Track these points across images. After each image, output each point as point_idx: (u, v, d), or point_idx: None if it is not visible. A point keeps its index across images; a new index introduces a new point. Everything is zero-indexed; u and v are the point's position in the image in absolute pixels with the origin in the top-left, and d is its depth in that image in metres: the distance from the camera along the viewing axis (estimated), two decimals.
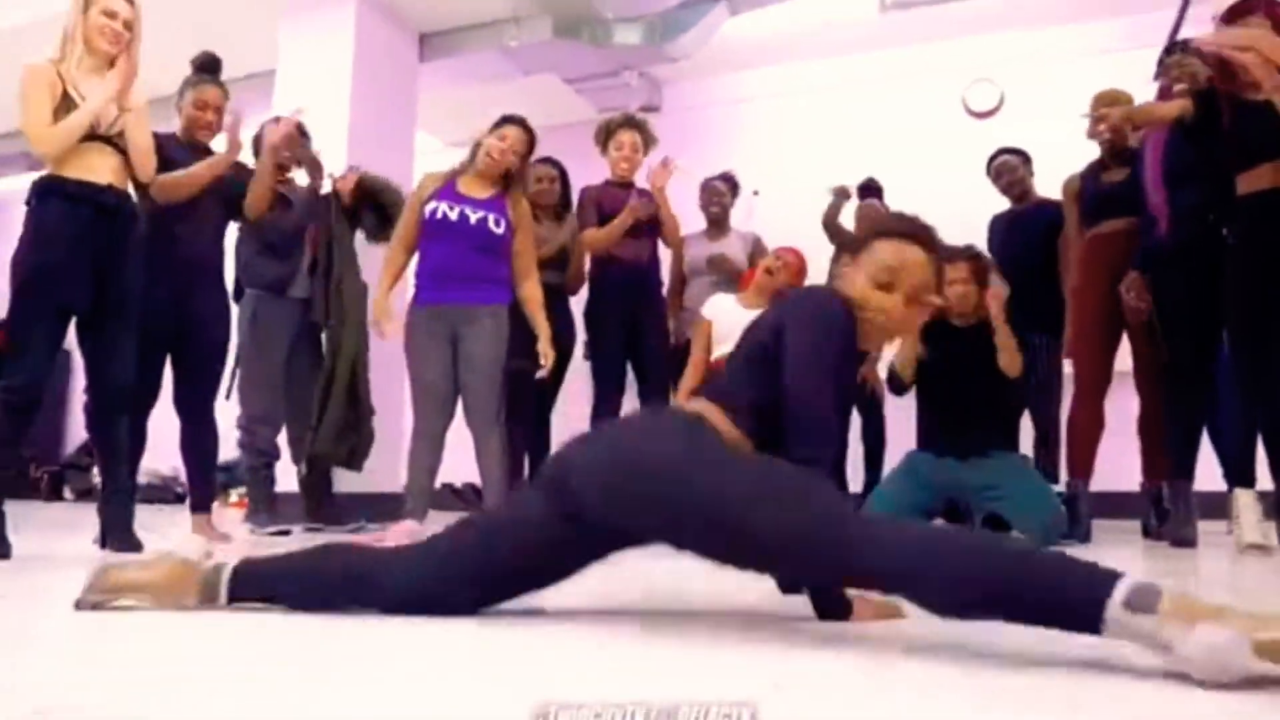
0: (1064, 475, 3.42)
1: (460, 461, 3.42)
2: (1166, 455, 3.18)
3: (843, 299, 1.53)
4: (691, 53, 5.40)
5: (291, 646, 1.24)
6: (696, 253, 4.04)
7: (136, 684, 1.00)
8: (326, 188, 3.72)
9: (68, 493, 6.95)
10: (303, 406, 3.53)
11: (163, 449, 3.33)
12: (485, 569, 1.41)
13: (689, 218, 4.14)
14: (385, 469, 4.04)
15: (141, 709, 0.89)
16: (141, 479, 3.18)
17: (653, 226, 3.84)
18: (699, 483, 1.28)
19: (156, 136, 2.78)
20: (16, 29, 4.77)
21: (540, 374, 3.22)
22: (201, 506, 3.19)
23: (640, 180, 3.89)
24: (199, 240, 3.17)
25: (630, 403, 3.85)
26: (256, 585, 1.44)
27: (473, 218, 3.12)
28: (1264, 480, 2.86)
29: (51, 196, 2.52)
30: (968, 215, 3.57)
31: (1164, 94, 3.31)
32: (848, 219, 4.13)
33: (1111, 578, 1.01)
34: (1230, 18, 2.78)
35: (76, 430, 7.23)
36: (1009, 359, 3.07)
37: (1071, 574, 1.06)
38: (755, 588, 1.49)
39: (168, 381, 3.14)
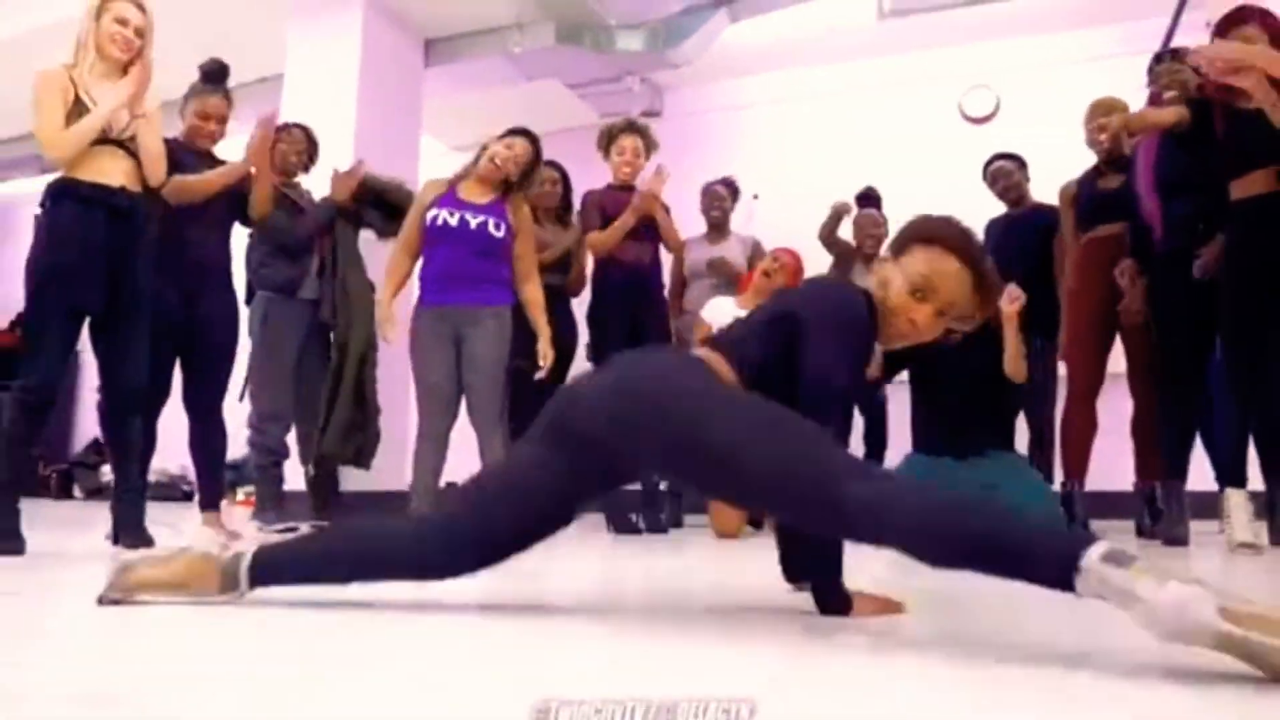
0: (1059, 476, 3.46)
1: (464, 460, 3.46)
2: (1160, 455, 3.21)
3: (868, 298, 1.53)
4: (693, 59, 5.46)
5: (292, 646, 1.24)
6: (697, 256, 4.08)
7: (158, 679, 1.01)
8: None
9: (77, 491, 6.98)
10: (312, 406, 3.57)
11: (171, 448, 3.37)
12: (485, 533, 1.44)
13: (689, 221, 4.18)
14: (391, 468, 4.07)
15: (163, 705, 0.90)
16: (150, 477, 3.21)
17: (653, 229, 3.88)
18: (708, 411, 1.31)
19: (166, 142, 2.81)
20: (17, 38, 4.82)
21: (539, 374, 3.27)
22: (210, 504, 3.23)
23: (640, 185, 3.92)
24: (208, 243, 3.20)
25: None
26: (276, 571, 1.48)
27: (473, 223, 3.17)
28: (1255, 480, 2.90)
29: (65, 199, 2.55)
30: (964, 219, 3.58)
31: (1154, 100, 3.35)
32: (845, 230, 4.17)
33: (1090, 539, 1.04)
34: (1224, 28, 2.81)
35: (85, 429, 7.27)
36: (1015, 365, 3.06)
37: (1052, 532, 1.13)
38: (755, 584, 1.51)
39: (177, 382, 3.17)
